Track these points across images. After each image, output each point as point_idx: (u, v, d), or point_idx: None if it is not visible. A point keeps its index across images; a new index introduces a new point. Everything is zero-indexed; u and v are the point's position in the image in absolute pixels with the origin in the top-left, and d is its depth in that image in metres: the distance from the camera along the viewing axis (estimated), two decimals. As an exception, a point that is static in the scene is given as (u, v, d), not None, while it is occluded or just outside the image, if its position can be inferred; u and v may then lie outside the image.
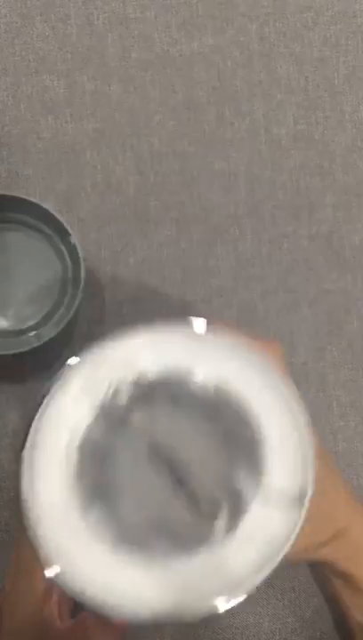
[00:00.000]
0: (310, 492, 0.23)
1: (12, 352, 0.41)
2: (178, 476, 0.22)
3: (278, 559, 0.22)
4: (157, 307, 0.47)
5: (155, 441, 0.22)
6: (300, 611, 0.47)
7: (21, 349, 0.41)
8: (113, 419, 0.22)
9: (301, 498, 0.22)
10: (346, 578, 0.33)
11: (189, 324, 0.25)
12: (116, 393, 0.23)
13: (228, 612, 0.25)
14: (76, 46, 0.46)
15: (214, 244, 0.47)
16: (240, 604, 0.48)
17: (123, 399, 0.22)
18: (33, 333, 0.44)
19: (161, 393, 0.22)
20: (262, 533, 0.22)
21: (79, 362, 0.23)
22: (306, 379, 0.48)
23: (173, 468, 0.21)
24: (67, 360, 0.24)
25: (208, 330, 0.25)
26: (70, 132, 0.46)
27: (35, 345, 0.41)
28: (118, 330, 0.25)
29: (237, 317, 0.47)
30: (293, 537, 0.22)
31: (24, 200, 0.40)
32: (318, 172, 0.48)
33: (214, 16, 0.47)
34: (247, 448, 0.22)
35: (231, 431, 0.22)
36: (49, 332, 0.42)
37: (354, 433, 0.48)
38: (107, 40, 0.46)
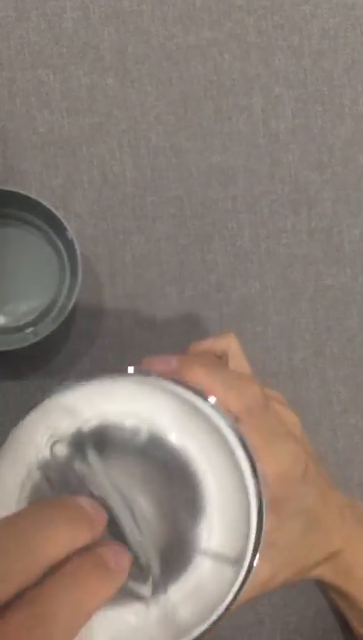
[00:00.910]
0: (249, 557, 0.22)
1: (9, 348, 0.42)
2: (116, 527, 0.22)
3: (219, 613, 0.22)
4: (155, 303, 0.47)
5: (90, 492, 0.22)
6: (301, 610, 0.48)
7: (19, 346, 0.41)
8: (53, 470, 0.22)
9: (238, 561, 0.22)
10: (341, 594, 0.34)
11: (134, 372, 0.24)
12: (55, 444, 0.22)
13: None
14: (72, 40, 0.47)
15: (212, 240, 0.48)
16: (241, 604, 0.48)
17: (62, 451, 0.22)
18: (30, 330, 0.44)
19: (101, 444, 0.22)
20: (204, 586, 0.22)
21: (32, 409, 0.24)
22: (306, 375, 0.48)
23: (111, 517, 0.21)
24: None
25: (152, 378, 0.24)
26: (66, 127, 0.47)
27: (32, 341, 0.41)
28: (67, 379, 0.25)
29: (236, 313, 0.48)
30: (231, 597, 0.22)
31: (20, 195, 0.41)
32: (317, 166, 0.49)
33: (211, 9, 0.48)
34: (189, 502, 0.22)
35: (173, 484, 0.22)
36: (46, 328, 0.42)
37: (354, 429, 0.49)
38: (103, 34, 0.47)
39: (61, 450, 0.22)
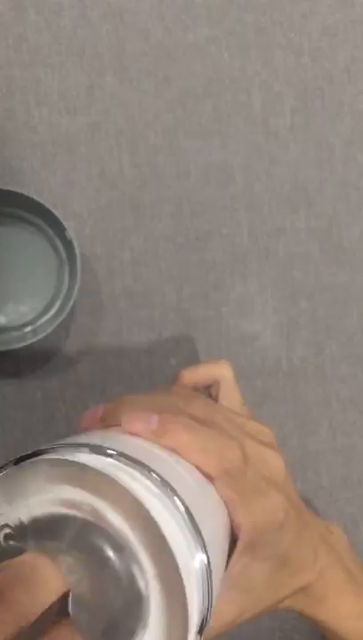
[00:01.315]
0: None
1: (8, 348, 0.42)
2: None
3: None
4: (153, 301, 0.48)
5: None
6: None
7: (18, 345, 0.42)
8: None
9: None
10: (313, 622, 0.35)
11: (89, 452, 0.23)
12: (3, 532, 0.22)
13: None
14: (70, 38, 0.47)
15: (211, 238, 0.48)
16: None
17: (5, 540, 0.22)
18: (29, 329, 0.45)
19: (41, 534, 0.22)
20: None
21: None
22: (305, 373, 0.49)
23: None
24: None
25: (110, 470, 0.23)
26: (65, 126, 0.47)
27: (31, 340, 0.42)
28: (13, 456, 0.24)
29: (234, 312, 0.48)
30: None
31: (19, 194, 0.41)
32: (317, 164, 0.49)
33: (210, 6, 0.48)
34: (129, 597, 0.21)
35: (112, 582, 0.21)
36: (45, 327, 0.43)
37: (353, 428, 0.49)
38: (101, 32, 0.47)
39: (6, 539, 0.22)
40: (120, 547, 0.21)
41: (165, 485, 0.23)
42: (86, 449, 0.23)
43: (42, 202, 0.41)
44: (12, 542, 0.21)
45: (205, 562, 0.22)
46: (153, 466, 0.23)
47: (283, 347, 0.49)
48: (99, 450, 0.23)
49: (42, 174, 0.47)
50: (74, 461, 0.22)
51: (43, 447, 0.23)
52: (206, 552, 0.23)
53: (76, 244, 0.41)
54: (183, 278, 0.48)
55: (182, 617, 0.21)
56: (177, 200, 0.48)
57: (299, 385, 0.49)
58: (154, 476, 0.23)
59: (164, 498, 0.22)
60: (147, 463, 0.23)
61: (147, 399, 0.31)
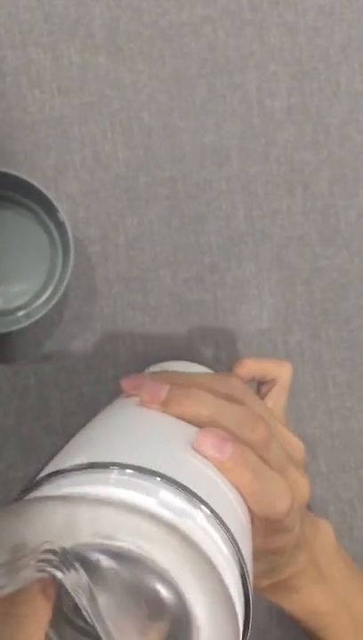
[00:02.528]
0: None
1: (1, 331, 0.43)
2: None
3: None
4: (148, 285, 0.48)
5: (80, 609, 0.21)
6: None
7: (10, 329, 0.42)
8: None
9: None
10: (279, 609, 0.36)
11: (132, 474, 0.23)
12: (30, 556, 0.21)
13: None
14: (63, 18, 0.48)
15: (206, 221, 0.49)
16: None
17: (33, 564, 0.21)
18: (22, 312, 0.45)
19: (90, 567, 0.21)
20: None
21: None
22: (301, 358, 0.50)
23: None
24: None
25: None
26: (57, 107, 0.48)
27: (24, 324, 0.42)
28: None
29: (230, 295, 0.49)
30: None
31: (11, 176, 0.42)
32: (313, 145, 0.49)
33: (205, -15, 0.49)
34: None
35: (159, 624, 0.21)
36: (38, 311, 0.43)
37: (350, 412, 0.50)
38: (94, 11, 0.48)
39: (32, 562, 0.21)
40: (167, 581, 0.21)
41: (223, 526, 0.23)
42: (157, 479, 0.23)
43: (34, 183, 0.42)
44: (46, 567, 0.21)
45: (248, 601, 0.23)
46: (213, 502, 0.24)
47: (279, 330, 0.49)
48: (167, 483, 0.23)
49: (34, 156, 0.48)
50: (130, 506, 0.21)
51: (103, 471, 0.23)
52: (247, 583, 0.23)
53: (68, 226, 0.42)
54: (178, 262, 0.49)
55: None
56: (172, 182, 0.48)
57: (295, 369, 0.50)
58: (209, 513, 0.23)
59: (219, 541, 0.23)
60: (208, 501, 0.23)
61: (219, 406, 0.30)
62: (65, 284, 0.42)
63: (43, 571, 0.21)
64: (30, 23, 0.48)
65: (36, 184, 0.42)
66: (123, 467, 0.23)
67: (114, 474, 0.23)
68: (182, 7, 0.48)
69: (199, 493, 0.24)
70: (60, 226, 0.43)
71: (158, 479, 0.23)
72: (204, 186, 0.49)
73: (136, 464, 0.23)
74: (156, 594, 0.21)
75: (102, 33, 0.48)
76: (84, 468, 0.23)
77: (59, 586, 0.21)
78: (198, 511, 0.23)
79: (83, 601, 0.21)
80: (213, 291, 0.49)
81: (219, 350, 0.49)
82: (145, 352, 0.49)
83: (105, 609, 0.21)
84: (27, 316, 0.45)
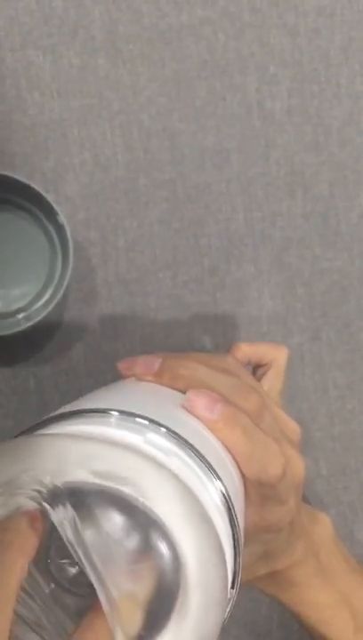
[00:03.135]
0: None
1: (0, 334, 0.43)
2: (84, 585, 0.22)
3: None
4: (147, 288, 0.49)
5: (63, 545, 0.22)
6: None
7: (11, 331, 0.43)
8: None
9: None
10: (279, 602, 0.37)
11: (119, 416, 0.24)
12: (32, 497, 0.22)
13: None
14: (62, 20, 0.48)
15: (206, 223, 0.49)
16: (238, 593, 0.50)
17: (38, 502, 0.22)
18: (22, 315, 0.46)
19: (77, 503, 0.22)
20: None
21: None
22: (302, 360, 0.50)
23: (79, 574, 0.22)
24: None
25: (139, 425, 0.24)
26: (57, 109, 0.48)
27: (24, 327, 0.43)
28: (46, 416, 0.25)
29: (230, 298, 0.49)
30: None
31: (10, 178, 0.42)
32: (314, 147, 0.50)
33: (204, -14, 0.49)
34: (162, 584, 0.22)
35: (149, 556, 0.22)
36: (38, 313, 0.44)
37: (351, 415, 0.50)
38: (94, 13, 0.48)
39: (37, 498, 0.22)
40: (154, 522, 0.22)
41: (214, 476, 0.24)
42: (146, 422, 0.24)
43: (34, 186, 0.42)
44: (36, 498, 0.22)
45: (238, 528, 0.24)
46: (207, 456, 0.24)
47: (279, 333, 0.50)
48: (157, 429, 0.24)
49: (34, 158, 0.48)
50: (125, 444, 0.22)
51: (101, 408, 0.24)
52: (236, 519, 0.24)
53: (68, 229, 0.42)
54: (178, 264, 0.49)
55: (220, 577, 0.22)
56: (171, 184, 0.49)
57: (295, 372, 0.50)
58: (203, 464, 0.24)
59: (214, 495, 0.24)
60: (202, 451, 0.24)
61: (212, 376, 0.31)
62: (65, 286, 0.43)
63: (33, 500, 0.21)
64: (30, 25, 0.48)
65: (36, 187, 0.42)
66: (113, 411, 0.24)
67: (104, 417, 0.24)
68: (182, 9, 0.49)
69: (190, 441, 0.24)
70: (59, 228, 0.44)
71: (148, 422, 0.24)
72: (203, 188, 0.49)
73: (127, 410, 0.24)
74: (143, 534, 0.22)
75: (102, 35, 0.48)
76: (74, 414, 0.24)
77: (47, 527, 0.22)
78: (185, 452, 0.24)
79: (69, 535, 0.21)
80: (212, 293, 0.49)
81: (218, 352, 0.49)
82: (145, 354, 0.49)
83: (92, 547, 0.21)
84: (26, 318, 0.45)
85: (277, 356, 0.37)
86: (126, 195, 0.49)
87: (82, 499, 0.22)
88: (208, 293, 0.49)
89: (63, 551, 0.22)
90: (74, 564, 0.22)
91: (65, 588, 0.23)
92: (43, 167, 0.48)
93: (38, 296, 0.46)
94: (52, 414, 0.25)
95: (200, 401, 0.28)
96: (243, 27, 0.49)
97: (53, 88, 0.48)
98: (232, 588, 0.24)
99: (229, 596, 0.24)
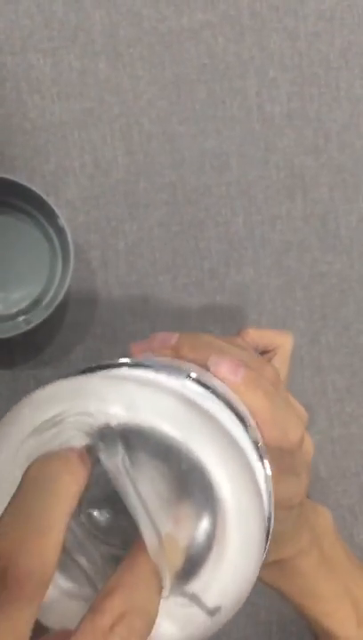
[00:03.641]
0: (227, 613, 0.23)
1: (1, 336, 0.43)
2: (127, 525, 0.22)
3: None
4: (147, 290, 0.49)
5: (111, 488, 0.22)
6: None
7: (11, 334, 0.43)
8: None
9: (214, 610, 0.23)
10: (282, 594, 0.37)
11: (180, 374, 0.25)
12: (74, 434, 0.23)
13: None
14: (63, 23, 0.48)
15: (206, 227, 0.49)
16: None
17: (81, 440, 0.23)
18: (22, 318, 0.46)
19: (127, 444, 0.23)
20: (175, 617, 0.22)
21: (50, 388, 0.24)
22: (301, 363, 0.50)
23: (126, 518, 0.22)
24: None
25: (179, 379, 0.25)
26: (57, 112, 0.49)
27: (24, 329, 0.43)
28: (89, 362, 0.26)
29: (230, 301, 0.50)
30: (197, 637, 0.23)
31: (11, 182, 0.43)
32: (313, 150, 0.50)
33: (205, -10, 0.49)
34: (202, 534, 0.22)
35: (191, 498, 0.23)
36: (38, 316, 0.44)
37: (350, 418, 0.51)
38: (94, 17, 0.49)
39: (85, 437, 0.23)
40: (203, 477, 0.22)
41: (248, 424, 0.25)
42: (182, 374, 0.25)
43: (34, 189, 0.42)
44: (85, 436, 0.22)
45: (268, 469, 0.25)
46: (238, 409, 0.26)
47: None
48: (198, 381, 0.25)
49: (34, 161, 0.48)
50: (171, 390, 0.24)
51: (142, 362, 0.25)
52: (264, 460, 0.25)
53: (68, 231, 0.43)
54: (178, 267, 0.49)
55: (259, 517, 0.23)
56: (171, 188, 0.49)
57: (295, 374, 0.50)
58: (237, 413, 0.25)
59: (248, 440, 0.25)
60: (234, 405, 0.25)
61: (231, 348, 0.32)
62: (65, 289, 0.43)
63: (84, 435, 0.22)
64: (30, 29, 0.48)
65: (36, 190, 0.42)
66: (148, 363, 0.25)
67: (142, 368, 0.25)
68: (182, 13, 0.49)
69: (223, 395, 0.26)
70: (59, 231, 0.44)
71: (184, 375, 0.25)
72: (203, 191, 0.49)
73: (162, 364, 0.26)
74: (185, 478, 0.22)
75: (102, 39, 0.49)
76: (116, 365, 0.25)
77: (92, 466, 0.22)
78: (220, 402, 0.25)
79: (117, 474, 0.22)
80: (212, 296, 0.50)
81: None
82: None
83: (140, 488, 0.22)
84: (26, 321, 0.46)
85: (283, 342, 0.38)
86: (126, 198, 0.49)
87: (127, 440, 0.23)
88: (208, 296, 0.50)
89: (94, 501, 0.23)
90: (104, 514, 0.23)
91: (95, 535, 0.23)
92: (43, 170, 0.48)
93: (39, 299, 0.46)
94: (93, 364, 0.26)
95: (224, 364, 0.28)
96: (243, 30, 0.50)
97: (54, 91, 0.49)
98: (266, 539, 0.25)
99: (265, 545, 0.25)
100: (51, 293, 0.46)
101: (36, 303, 0.46)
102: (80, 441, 0.22)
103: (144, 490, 0.22)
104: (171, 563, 0.22)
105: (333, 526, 0.38)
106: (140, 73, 0.49)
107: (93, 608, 0.20)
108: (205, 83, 0.50)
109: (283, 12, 0.50)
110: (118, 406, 0.23)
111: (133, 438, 0.23)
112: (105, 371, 0.25)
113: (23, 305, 0.46)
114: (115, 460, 0.22)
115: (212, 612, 0.23)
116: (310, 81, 0.50)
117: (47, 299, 0.46)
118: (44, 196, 0.42)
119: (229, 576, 0.23)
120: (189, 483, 0.23)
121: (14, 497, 0.21)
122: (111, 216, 0.49)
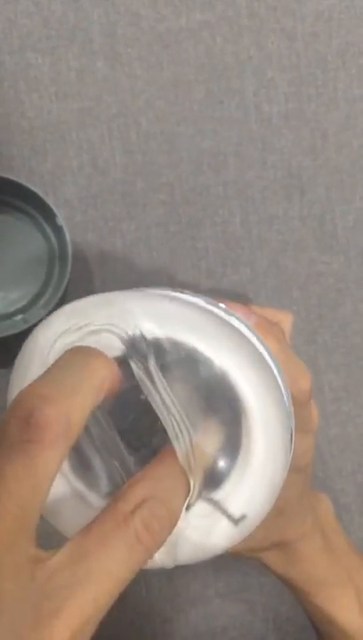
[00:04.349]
0: (253, 522, 0.24)
1: (-2, 336, 0.44)
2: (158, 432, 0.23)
3: (204, 558, 0.24)
4: (145, 290, 0.50)
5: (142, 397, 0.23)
6: (293, 599, 0.50)
7: (8, 333, 0.43)
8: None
9: (240, 519, 0.23)
10: (281, 579, 0.37)
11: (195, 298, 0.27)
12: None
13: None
14: (61, 23, 0.49)
15: (203, 226, 0.50)
16: (232, 593, 0.50)
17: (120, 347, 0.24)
18: (20, 317, 0.46)
19: (158, 356, 0.23)
20: (200, 527, 0.23)
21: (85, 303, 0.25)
22: (298, 363, 0.51)
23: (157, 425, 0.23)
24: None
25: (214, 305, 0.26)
26: (55, 112, 0.49)
27: (22, 328, 0.43)
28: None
29: (227, 300, 0.50)
30: (223, 547, 0.23)
31: (9, 181, 0.43)
32: (311, 151, 0.51)
33: (203, -9, 0.50)
34: (224, 451, 0.23)
35: (220, 411, 0.23)
36: (36, 315, 0.44)
37: (347, 417, 0.51)
38: (92, 16, 0.49)
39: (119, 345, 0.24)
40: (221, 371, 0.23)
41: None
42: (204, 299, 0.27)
43: (32, 188, 0.43)
44: (117, 339, 0.23)
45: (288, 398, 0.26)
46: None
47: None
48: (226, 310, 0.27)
49: (32, 161, 0.49)
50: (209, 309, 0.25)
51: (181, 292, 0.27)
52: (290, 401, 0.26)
53: (66, 230, 0.43)
54: (175, 266, 0.50)
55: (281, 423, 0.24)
56: (169, 187, 0.50)
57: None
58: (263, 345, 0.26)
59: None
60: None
61: (236, 309, 0.33)
62: (63, 288, 0.43)
63: (118, 339, 0.23)
64: (29, 28, 0.49)
65: (34, 189, 0.43)
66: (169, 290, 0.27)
67: (184, 292, 0.27)
68: (180, 13, 0.49)
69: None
70: (57, 230, 0.44)
71: (217, 305, 0.27)
72: (201, 191, 0.50)
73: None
74: (212, 389, 0.23)
75: (100, 38, 0.49)
76: (141, 289, 0.27)
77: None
78: (241, 323, 0.26)
79: (148, 384, 0.23)
80: (209, 295, 0.50)
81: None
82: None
83: (170, 397, 0.23)
84: (24, 320, 0.46)
85: (282, 318, 0.39)
86: (124, 197, 0.49)
87: (158, 351, 0.23)
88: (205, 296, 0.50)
89: (119, 410, 0.24)
90: (127, 423, 0.24)
91: (114, 443, 0.24)
92: (41, 170, 0.49)
93: (36, 298, 0.46)
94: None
95: (238, 308, 0.29)
96: (241, 31, 0.50)
97: (52, 91, 0.49)
98: (290, 447, 0.26)
99: (290, 453, 0.25)
100: (48, 292, 0.46)
101: (33, 302, 0.46)
102: (113, 348, 0.23)
103: (174, 399, 0.23)
104: (198, 469, 0.23)
105: (333, 513, 0.39)
106: (138, 73, 0.49)
107: (116, 497, 0.20)
108: (203, 83, 0.50)
109: (281, 12, 0.50)
110: (151, 319, 0.24)
111: (163, 350, 0.23)
112: (141, 289, 0.26)
113: (20, 304, 0.46)
114: (147, 368, 0.23)
115: (236, 521, 0.23)
116: (308, 81, 0.51)
117: (45, 298, 0.46)
118: (43, 196, 0.43)
119: (255, 484, 0.23)
120: (217, 394, 0.23)
121: (47, 370, 0.22)
122: (109, 215, 0.49)
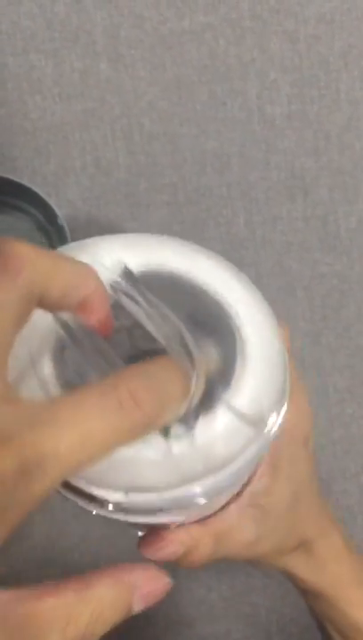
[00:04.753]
0: (273, 421, 0.24)
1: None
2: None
3: (225, 474, 0.23)
4: (148, 291, 0.49)
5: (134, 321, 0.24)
6: (296, 600, 0.50)
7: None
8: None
9: (259, 422, 0.23)
10: (315, 594, 0.37)
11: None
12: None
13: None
14: (64, 24, 0.49)
15: (207, 227, 0.50)
16: (236, 595, 0.50)
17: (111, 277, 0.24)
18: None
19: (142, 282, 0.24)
20: (217, 436, 0.22)
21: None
22: (302, 364, 0.51)
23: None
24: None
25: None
26: (58, 113, 0.49)
27: (24, 329, 0.43)
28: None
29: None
30: (248, 456, 0.23)
31: (11, 182, 0.43)
32: (314, 152, 0.51)
33: (206, -7, 0.50)
34: (224, 356, 0.24)
35: (212, 334, 0.24)
36: (39, 316, 0.44)
37: (351, 419, 0.51)
38: (95, 18, 0.49)
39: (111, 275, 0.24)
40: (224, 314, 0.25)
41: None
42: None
43: (35, 189, 0.43)
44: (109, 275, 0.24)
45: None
46: None
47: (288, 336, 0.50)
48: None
49: (35, 162, 0.49)
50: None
51: None
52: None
53: (67, 230, 0.43)
54: (179, 267, 0.50)
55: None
56: (172, 188, 0.50)
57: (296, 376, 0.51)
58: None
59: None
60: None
61: None
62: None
63: (108, 270, 0.24)
64: (32, 30, 0.49)
65: (35, 189, 0.43)
66: None
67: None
68: (183, 15, 0.50)
69: None
70: (59, 231, 0.44)
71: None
72: (204, 192, 0.50)
73: None
74: (206, 311, 0.24)
75: (104, 40, 0.49)
76: None
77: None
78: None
79: (142, 309, 0.23)
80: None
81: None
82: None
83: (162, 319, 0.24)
84: (27, 321, 0.46)
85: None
86: (127, 198, 0.49)
87: (150, 283, 0.24)
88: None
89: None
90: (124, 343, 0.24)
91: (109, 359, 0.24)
92: (44, 170, 0.49)
93: (40, 298, 0.46)
94: None
95: None
96: (244, 33, 0.50)
97: (55, 92, 0.49)
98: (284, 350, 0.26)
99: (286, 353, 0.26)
100: (52, 293, 0.46)
101: (37, 303, 0.46)
102: (104, 276, 0.23)
103: (169, 311, 0.24)
104: (199, 371, 0.23)
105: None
106: (141, 74, 0.49)
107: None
108: (207, 84, 0.50)
109: (283, 14, 0.51)
110: (129, 250, 0.25)
111: (147, 277, 0.24)
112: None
113: (24, 304, 0.46)
114: (136, 288, 0.24)
115: (253, 422, 0.23)
116: (311, 83, 0.51)
117: (48, 298, 0.46)
118: (45, 196, 0.43)
119: (256, 381, 0.24)
120: (211, 317, 0.24)
121: None
122: (112, 216, 0.49)
